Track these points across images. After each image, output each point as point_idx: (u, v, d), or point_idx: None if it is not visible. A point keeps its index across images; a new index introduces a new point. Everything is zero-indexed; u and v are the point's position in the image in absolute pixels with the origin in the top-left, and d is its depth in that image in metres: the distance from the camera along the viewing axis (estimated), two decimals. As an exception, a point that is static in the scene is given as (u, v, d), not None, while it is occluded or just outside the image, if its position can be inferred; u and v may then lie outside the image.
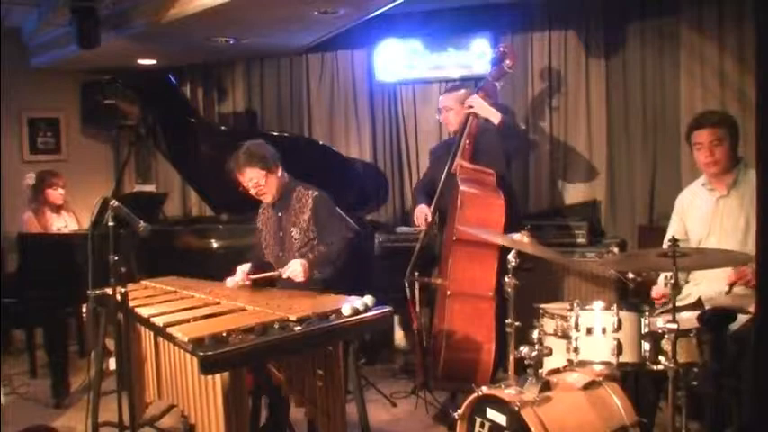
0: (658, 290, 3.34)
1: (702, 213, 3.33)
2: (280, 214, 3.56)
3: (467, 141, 4.07)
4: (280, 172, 3.50)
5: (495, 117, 4.02)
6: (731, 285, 3.09)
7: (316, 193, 3.49)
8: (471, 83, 5.02)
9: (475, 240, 3.75)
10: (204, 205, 6.10)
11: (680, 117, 4.74)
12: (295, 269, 3.27)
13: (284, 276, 3.32)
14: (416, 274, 4.05)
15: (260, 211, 3.71)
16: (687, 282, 3.34)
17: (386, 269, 4.93)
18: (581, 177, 5.12)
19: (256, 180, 3.45)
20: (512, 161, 4.22)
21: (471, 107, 4.08)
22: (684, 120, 4.67)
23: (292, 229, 3.49)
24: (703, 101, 4.60)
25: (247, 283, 3.39)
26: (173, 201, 6.43)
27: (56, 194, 5.25)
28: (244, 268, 3.45)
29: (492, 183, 3.99)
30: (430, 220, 4.15)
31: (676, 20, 4.73)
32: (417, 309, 4.04)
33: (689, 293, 3.28)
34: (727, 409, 2.90)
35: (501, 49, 4.22)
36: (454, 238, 3.86)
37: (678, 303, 2.84)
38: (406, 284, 4.05)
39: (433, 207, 4.15)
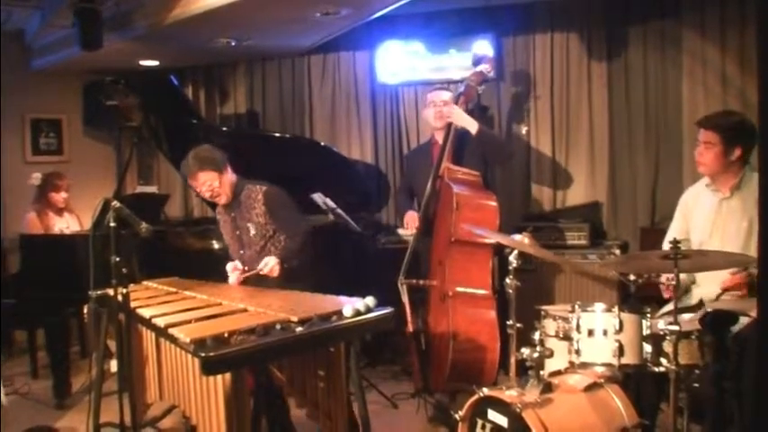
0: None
1: (705, 214, 3.33)
2: (233, 214, 3.64)
3: (449, 145, 4.11)
4: (230, 172, 3.58)
5: (473, 126, 4.06)
6: (723, 291, 3.09)
7: (265, 187, 3.57)
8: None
9: (471, 241, 3.79)
10: (206, 206, 6.11)
11: (682, 119, 4.75)
12: (272, 266, 3.41)
13: (262, 273, 3.43)
14: (403, 277, 4.05)
15: (217, 215, 3.81)
16: (694, 283, 3.32)
17: (387, 270, 4.94)
18: (583, 179, 5.12)
19: (210, 183, 3.52)
20: (489, 167, 4.27)
21: (450, 117, 4.10)
22: (686, 122, 4.69)
23: (248, 225, 3.58)
24: (705, 103, 4.60)
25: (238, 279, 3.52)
26: (174, 202, 6.44)
27: (59, 197, 5.27)
28: (237, 266, 3.57)
29: (480, 184, 4.08)
30: (417, 224, 4.18)
31: (678, 22, 4.73)
32: (409, 313, 4.04)
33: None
34: (728, 411, 2.89)
35: (479, 54, 4.25)
36: (452, 240, 3.87)
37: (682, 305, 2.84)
38: (400, 288, 4.05)
39: (422, 211, 4.16)
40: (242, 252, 3.65)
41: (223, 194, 3.58)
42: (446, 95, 4.27)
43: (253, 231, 3.57)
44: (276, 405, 3.24)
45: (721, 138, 3.20)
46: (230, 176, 3.58)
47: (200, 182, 3.53)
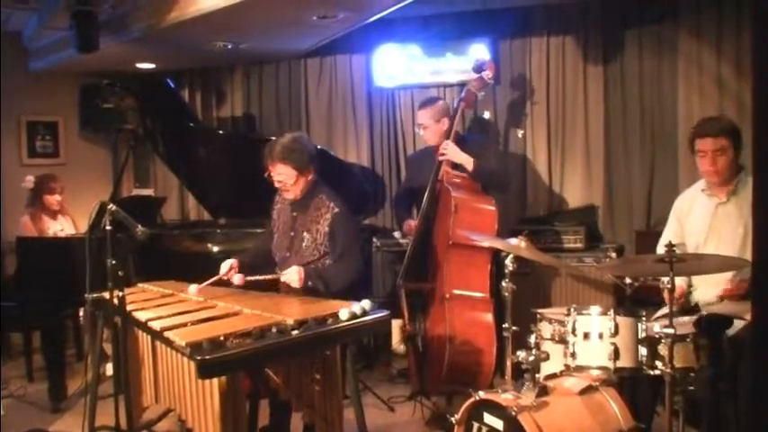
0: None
1: (701, 219, 3.33)
2: (295, 214, 3.44)
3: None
4: (311, 176, 3.37)
5: (469, 164, 4.03)
6: (723, 297, 3.10)
7: (337, 209, 3.33)
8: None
9: (470, 244, 3.79)
10: (202, 209, 6.10)
11: (677, 123, 4.76)
12: (292, 276, 3.19)
13: (282, 279, 3.26)
14: (402, 280, 4.05)
15: (276, 198, 3.57)
16: (691, 287, 3.32)
17: (384, 273, 4.94)
18: (579, 182, 5.12)
19: (285, 178, 3.32)
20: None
21: (445, 154, 4.07)
22: (682, 125, 4.69)
23: (305, 233, 3.37)
24: (701, 107, 4.61)
25: (240, 282, 3.33)
26: (171, 204, 6.43)
27: (52, 200, 5.24)
28: (232, 263, 3.38)
29: (479, 188, 4.07)
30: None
31: (675, 26, 4.75)
32: (407, 315, 4.04)
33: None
34: (724, 414, 2.90)
35: (480, 59, 4.26)
36: (450, 243, 3.89)
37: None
38: (399, 291, 4.05)
39: (421, 214, 4.16)
40: (287, 255, 3.43)
41: (292, 192, 3.36)
42: (426, 117, 4.22)
43: (307, 243, 3.36)
44: (279, 406, 3.22)
45: (731, 142, 3.19)
46: (309, 178, 3.36)
47: (276, 171, 3.31)
